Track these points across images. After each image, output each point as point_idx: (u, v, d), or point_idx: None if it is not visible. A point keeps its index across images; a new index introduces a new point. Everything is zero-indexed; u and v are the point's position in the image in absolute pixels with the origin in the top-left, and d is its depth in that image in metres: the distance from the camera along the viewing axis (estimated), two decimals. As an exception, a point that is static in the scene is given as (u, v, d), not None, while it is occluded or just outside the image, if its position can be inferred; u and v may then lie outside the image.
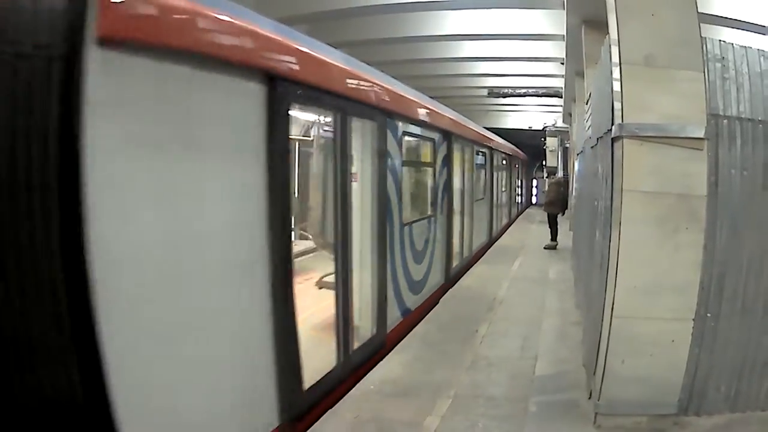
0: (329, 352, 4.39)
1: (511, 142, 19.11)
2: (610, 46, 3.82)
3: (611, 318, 3.57)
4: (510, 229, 17.52)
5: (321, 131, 5.95)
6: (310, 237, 6.56)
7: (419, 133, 7.00)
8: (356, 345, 4.78)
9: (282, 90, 3.41)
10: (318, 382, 4.03)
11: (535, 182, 34.90)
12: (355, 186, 4.90)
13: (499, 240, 14.40)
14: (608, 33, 3.81)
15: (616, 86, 3.57)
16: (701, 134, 3.43)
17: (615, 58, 3.57)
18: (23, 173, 2.14)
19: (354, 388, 4.45)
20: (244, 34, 3.13)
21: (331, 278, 4.57)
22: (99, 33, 2.18)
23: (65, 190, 2.16)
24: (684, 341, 3.54)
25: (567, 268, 9.84)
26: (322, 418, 3.93)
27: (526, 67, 18.18)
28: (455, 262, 8.85)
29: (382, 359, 5.10)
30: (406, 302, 6.26)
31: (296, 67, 3.62)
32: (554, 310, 7.03)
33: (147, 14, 2.43)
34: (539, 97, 21.77)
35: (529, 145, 27.80)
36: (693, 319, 3.53)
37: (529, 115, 27.49)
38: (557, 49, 13.93)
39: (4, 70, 2.14)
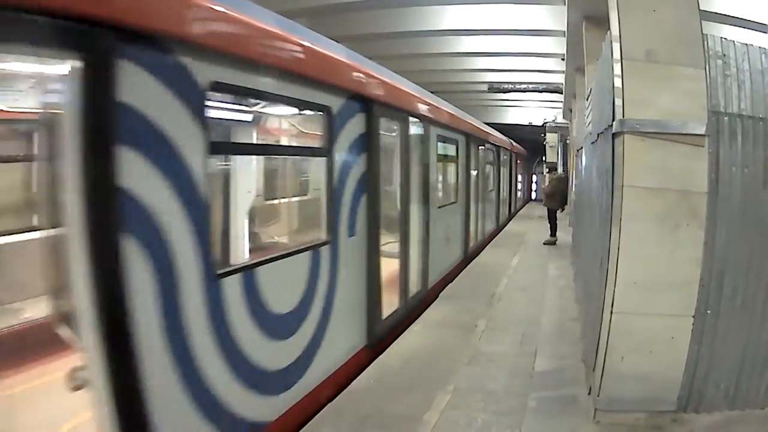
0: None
1: (510, 138, 19.12)
2: (611, 42, 3.80)
3: (611, 314, 3.57)
4: (509, 224, 17.53)
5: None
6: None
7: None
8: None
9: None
10: None
11: (534, 177, 34.93)
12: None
13: (499, 234, 14.55)
14: (609, 29, 3.80)
15: (617, 82, 3.56)
16: (702, 131, 3.43)
17: (616, 54, 3.56)
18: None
19: (353, 383, 4.46)
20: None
21: None
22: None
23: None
24: (683, 338, 3.55)
25: (566, 264, 9.85)
26: (322, 411, 3.94)
27: (527, 62, 18.12)
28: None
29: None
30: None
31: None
32: (554, 306, 7.05)
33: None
34: (539, 93, 21.66)
35: (529, 141, 27.80)
36: (693, 316, 3.54)
37: (530, 111, 27.40)
38: (558, 45, 13.89)
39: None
